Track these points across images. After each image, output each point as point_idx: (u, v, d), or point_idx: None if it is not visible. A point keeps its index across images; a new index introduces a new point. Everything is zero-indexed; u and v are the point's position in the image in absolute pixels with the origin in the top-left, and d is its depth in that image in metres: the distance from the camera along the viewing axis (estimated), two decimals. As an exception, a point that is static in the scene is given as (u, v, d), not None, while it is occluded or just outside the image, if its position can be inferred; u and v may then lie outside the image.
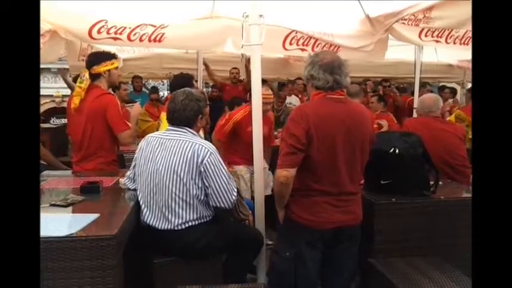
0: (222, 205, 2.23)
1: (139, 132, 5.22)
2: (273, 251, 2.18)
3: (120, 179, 2.61)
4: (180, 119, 2.25)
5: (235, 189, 2.28)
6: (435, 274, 2.17)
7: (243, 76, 6.42)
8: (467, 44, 3.86)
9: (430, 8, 3.43)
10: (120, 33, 3.35)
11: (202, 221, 2.20)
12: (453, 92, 6.96)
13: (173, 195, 2.15)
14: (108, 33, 3.32)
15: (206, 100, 2.36)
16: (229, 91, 6.34)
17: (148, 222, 2.22)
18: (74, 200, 2.21)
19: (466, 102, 6.39)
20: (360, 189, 2.19)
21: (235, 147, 3.72)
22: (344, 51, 3.80)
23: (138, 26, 3.37)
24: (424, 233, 2.43)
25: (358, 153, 2.02)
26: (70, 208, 2.12)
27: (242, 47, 2.67)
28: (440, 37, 3.83)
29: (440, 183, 2.58)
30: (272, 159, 3.73)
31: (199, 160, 2.13)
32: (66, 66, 5.63)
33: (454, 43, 3.91)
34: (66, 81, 5.18)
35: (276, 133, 4.32)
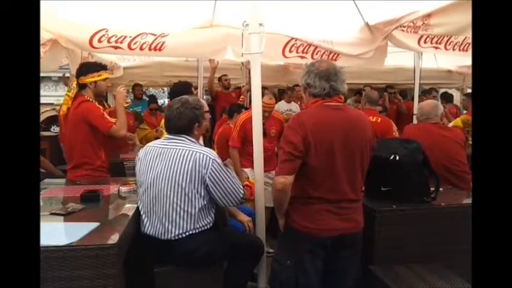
0: (231, 204, 2.29)
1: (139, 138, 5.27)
2: (274, 260, 2.17)
3: (121, 187, 2.62)
4: (176, 127, 2.25)
5: (240, 184, 2.29)
6: (437, 281, 2.15)
7: (243, 83, 6.43)
8: (467, 51, 3.87)
9: (428, 15, 3.44)
10: (121, 42, 3.37)
11: (202, 229, 2.19)
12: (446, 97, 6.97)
13: (174, 205, 2.14)
14: (108, 42, 3.35)
15: (203, 108, 2.34)
16: (223, 98, 6.35)
17: (148, 232, 2.21)
18: (74, 208, 2.21)
19: (464, 107, 6.41)
20: (362, 196, 2.19)
21: (244, 149, 3.77)
22: (344, 58, 3.82)
23: (138, 35, 3.39)
24: (425, 239, 2.42)
25: (358, 160, 2.02)
26: (70, 217, 2.11)
27: (242, 55, 2.69)
28: (440, 44, 3.85)
29: (441, 189, 2.58)
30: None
31: (204, 170, 2.12)
32: (67, 75, 5.66)
33: (453, 49, 3.92)
34: None
35: None
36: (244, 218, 2.67)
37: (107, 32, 3.32)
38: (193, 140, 2.26)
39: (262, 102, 3.56)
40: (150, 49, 3.45)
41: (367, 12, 3.70)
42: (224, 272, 2.36)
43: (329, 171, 1.96)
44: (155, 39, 3.42)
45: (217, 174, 2.15)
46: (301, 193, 1.99)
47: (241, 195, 2.27)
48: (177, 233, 2.15)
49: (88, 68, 3.13)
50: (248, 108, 4.56)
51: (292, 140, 1.92)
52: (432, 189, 2.51)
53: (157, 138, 3.25)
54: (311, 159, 1.93)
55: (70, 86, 3.13)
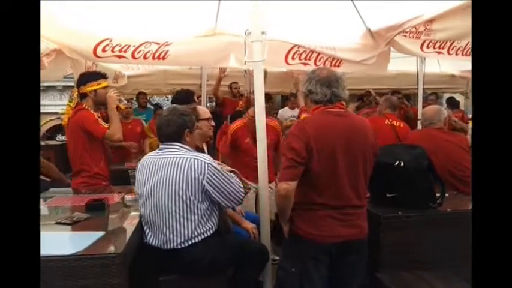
0: (234, 203, 2.29)
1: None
2: (279, 267, 2.17)
3: (126, 196, 2.62)
4: (165, 134, 2.26)
5: (240, 183, 2.28)
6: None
7: (247, 91, 6.45)
8: (470, 55, 3.87)
9: (431, 21, 3.44)
10: (125, 51, 3.39)
11: (205, 236, 2.18)
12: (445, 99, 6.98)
13: (173, 213, 2.13)
14: (112, 51, 3.37)
15: (192, 114, 2.34)
16: (231, 105, 6.36)
17: (151, 242, 2.21)
18: (80, 217, 2.21)
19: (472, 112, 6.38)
20: (366, 202, 2.19)
21: (238, 161, 3.74)
22: (346, 64, 3.83)
23: (142, 44, 3.41)
24: (432, 246, 2.40)
25: (361, 166, 2.02)
26: (75, 226, 2.12)
27: (245, 63, 2.70)
28: (442, 48, 3.84)
29: (447, 195, 2.56)
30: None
31: (201, 176, 2.11)
32: (72, 84, 5.70)
33: (456, 54, 3.92)
34: None
35: None
36: (248, 225, 2.67)
37: (110, 41, 3.35)
38: (186, 147, 2.25)
39: (249, 115, 3.58)
40: (153, 58, 3.47)
41: (368, 19, 3.72)
42: (229, 279, 2.35)
43: (332, 177, 1.96)
44: (159, 48, 3.44)
45: (214, 177, 2.14)
46: (305, 199, 1.99)
47: (242, 193, 2.26)
48: (179, 241, 2.15)
49: (87, 77, 3.19)
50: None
51: (294, 146, 1.93)
52: (438, 194, 2.50)
53: None
54: (314, 165, 1.93)
55: (71, 96, 3.18)
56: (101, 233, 1.96)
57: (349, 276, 2.09)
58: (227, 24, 3.68)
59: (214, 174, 2.14)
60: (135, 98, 6.84)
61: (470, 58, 3.81)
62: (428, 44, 3.72)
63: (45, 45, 3.21)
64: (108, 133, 3.03)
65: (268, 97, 5.13)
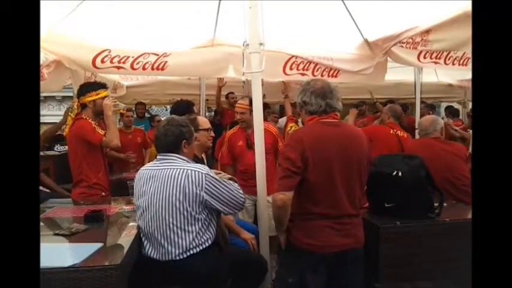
0: (236, 210, 2.31)
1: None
2: (276, 277, 2.16)
3: (124, 207, 2.62)
4: (162, 144, 2.26)
5: (239, 189, 2.27)
6: (443, 298, 2.13)
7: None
8: (466, 65, 3.90)
9: (427, 31, 3.49)
10: (124, 62, 3.42)
11: (203, 247, 2.17)
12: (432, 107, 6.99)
13: (171, 225, 2.13)
14: (111, 62, 3.40)
15: (190, 126, 2.34)
16: (229, 115, 6.38)
17: (149, 254, 2.20)
18: (78, 229, 2.21)
19: (468, 122, 6.41)
20: (363, 212, 2.19)
21: (237, 172, 3.73)
22: (344, 74, 3.86)
23: (141, 55, 3.44)
24: (431, 256, 2.39)
25: (356, 175, 2.04)
26: (74, 237, 2.11)
27: (243, 74, 2.72)
28: (439, 59, 3.88)
29: (445, 204, 2.56)
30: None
31: (199, 187, 2.11)
32: (71, 94, 5.72)
33: (453, 64, 3.95)
34: None
35: None
36: (247, 236, 2.66)
37: (109, 52, 3.38)
38: (183, 158, 2.25)
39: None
40: (152, 69, 3.50)
41: (365, 29, 3.76)
42: (228, 291, 2.34)
43: (328, 186, 1.97)
44: (157, 59, 3.47)
45: (213, 187, 2.14)
46: (301, 209, 2.00)
47: (242, 199, 2.26)
48: (177, 253, 2.14)
49: (87, 88, 3.20)
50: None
51: (289, 156, 1.94)
52: (436, 204, 2.50)
53: None
54: (310, 175, 1.94)
55: (72, 107, 3.21)
56: (99, 245, 1.96)
57: (346, 286, 2.08)
58: (225, 35, 3.72)
59: (212, 184, 2.14)
60: (133, 108, 6.85)
61: (466, 68, 3.87)
62: (425, 54, 3.76)
63: (44, 56, 3.23)
64: (104, 140, 3.04)
65: (265, 106, 5.15)
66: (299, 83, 5.77)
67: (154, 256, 2.18)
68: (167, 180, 2.14)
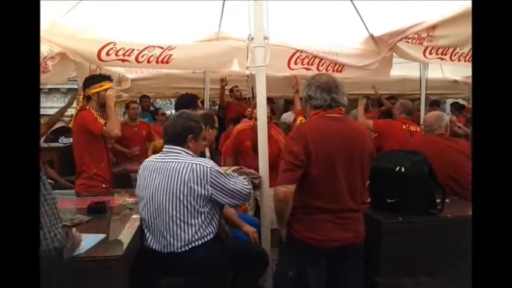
0: (242, 202, 2.32)
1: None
2: (277, 271, 2.17)
3: (128, 199, 2.64)
4: (169, 136, 2.27)
5: (244, 181, 2.28)
6: (444, 294, 2.14)
7: (249, 95, 6.46)
8: (472, 61, 3.87)
9: (433, 27, 3.46)
10: (128, 55, 3.43)
11: (205, 240, 2.18)
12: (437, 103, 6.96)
13: (174, 218, 2.14)
14: (116, 55, 3.40)
15: (200, 121, 2.35)
16: (235, 109, 6.37)
17: (151, 246, 2.21)
18: (81, 220, 2.23)
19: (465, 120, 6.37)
20: (365, 207, 2.19)
21: (235, 163, 3.74)
22: (349, 69, 3.85)
23: (145, 48, 3.44)
24: (432, 252, 2.40)
25: (358, 170, 2.04)
26: (77, 228, 2.13)
27: (248, 68, 2.72)
28: (445, 55, 3.86)
29: (447, 201, 2.56)
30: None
31: (204, 181, 2.12)
32: (75, 87, 5.74)
33: (459, 60, 3.93)
34: None
35: None
36: (249, 229, 2.67)
37: (114, 45, 3.38)
38: (189, 152, 2.24)
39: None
40: (157, 62, 3.50)
41: (371, 24, 3.73)
42: (229, 284, 2.35)
43: (330, 181, 1.97)
44: (162, 52, 3.47)
45: (218, 181, 2.15)
46: (303, 203, 2.00)
47: (248, 190, 2.27)
48: (179, 245, 2.15)
49: (91, 80, 3.23)
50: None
51: (293, 149, 1.95)
52: (438, 200, 2.50)
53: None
54: (312, 169, 1.94)
55: (78, 99, 3.24)
56: (101, 236, 1.98)
57: (346, 280, 2.09)
58: (230, 29, 3.71)
59: (217, 178, 2.15)
60: (138, 101, 6.86)
61: (472, 64, 3.82)
62: (431, 50, 3.74)
63: (49, 48, 3.25)
64: (105, 129, 3.06)
65: (270, 101, 5.14)
66: (304, 77, 5.78)
67: (156, 248, 2.19)
68: (172, 173, 2.15)
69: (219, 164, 2.55)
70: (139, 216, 2.34)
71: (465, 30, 3.26)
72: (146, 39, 3.53)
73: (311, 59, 3.78)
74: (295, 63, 3.76)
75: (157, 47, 3.47)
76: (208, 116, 2.90)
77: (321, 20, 3.67)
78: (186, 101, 3.45)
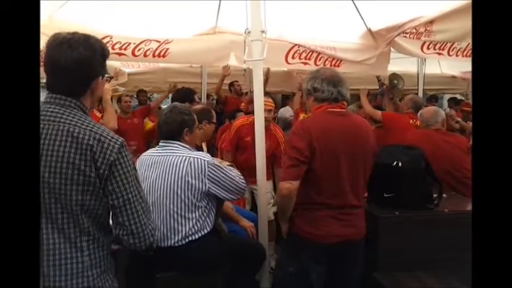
0: (238, 196, 2.31)
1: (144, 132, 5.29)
2: (277, 266, 2.17)
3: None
4: (164, 132, 2.26)
5: (240, 175, 2.28)
6: (440, 288, 2.15)
7: (247, 89, 6.44)
8: (470, 56, 3.87)
9: (431, 22, 3.45)
10: (125, 49, 3.40)
11: (202, 233, 2.18)
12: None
13: (171, 212, 2.14)
14: (113, 48, 3.37)
15: (192, 114, 2.34)
16: (234, 103, 6.35)
17: None
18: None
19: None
20: (363, 202, 2.19)
21: (236, 160, 3.73)
22: (346, 64, 3.84)
23: (142, 42, 3.42)
24: (429, 246, 2.40)
25: (361, 166, 2.03)
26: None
27: (245, 62, 2.71)
28: (443, 50, 3.86)
29: (444, 196, 2.57)
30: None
31: (201, 174, 2.12)
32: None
33: (457, 55, 3.94)
34: None
35: None
36: (246, 223, 2.67)
37: (111, 38, 3.36)
38: (185, 145, 2.25)
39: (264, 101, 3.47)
40: (154, 56, 3.48)
41: (369, 19, 3.72)
42: (225, 278, 2.35)
43: (333, 176, 1.97)
44: (159, 46, 3.45)
45: (215, 174, 2.15)
46: (305, 199, 2.00)
47: (243, 185, 2.27)
48: (176, 239, 2.15)
49: None
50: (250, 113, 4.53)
51: (297, 145, 1.93)
52: (435, 195, 2.50)
53: None
54: (316, 165, 1.94)
55: None
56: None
57: (346, 276, 2.09)
58: (228, 22, 3.69)
59: (215, 171, 2.15)
60: (135, 96, 6.84)
61: (470, 59, 3.83)
62: (429, 45, 3.74)
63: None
64: (101, 122, 3.04)
65: (268, 96, 5.11)
66: (302, 72, 5.77)
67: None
68: (169, 167, 2.14)
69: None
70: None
71: (463, 25, 3.26)
72: (143, 33, 3.51)
73: (309, 53, 3.76)
74: (293, 58, 3.74)
75: (154, 40, 3.45)
76: (205, 111, 2.89)
77: (319, 14, 3.65)
78: (182, 95, 3.44)
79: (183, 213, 2.13)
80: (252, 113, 3.70)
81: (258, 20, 2.49)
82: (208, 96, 6.52)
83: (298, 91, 5.03)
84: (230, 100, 6.50)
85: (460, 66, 6.35)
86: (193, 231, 2.15)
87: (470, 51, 3.85)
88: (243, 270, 2.38)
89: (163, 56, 3.48)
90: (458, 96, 7.88)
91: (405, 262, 2.37)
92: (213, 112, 2.97)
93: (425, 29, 3.51)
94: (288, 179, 1.93)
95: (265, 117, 3.40)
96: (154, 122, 5.61)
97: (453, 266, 2.34)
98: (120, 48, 3.40)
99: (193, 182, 2.11)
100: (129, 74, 6.11)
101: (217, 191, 2.16)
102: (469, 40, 3.58)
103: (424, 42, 3.67)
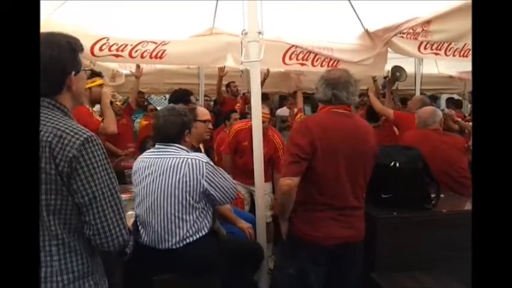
0: (229, 201, 2.32)
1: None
2: (276, 268, 2.17)
3: (122, 195, 2.61)
4: (164, 135, 2.25)
5: (232, 181, 2.31)
6: (438, 289, 2.15)
7: (244, 90, 6.44)
8: (467, 56, 3.88)
9: (428, 22, 3.46)
10: (122, 50, 3.39)
11: (200, 235, 2.18)
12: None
13: (169, 214, 2.13)
14: (109, 50, 3.37)
15: (189, 115, 2.34)
16: (231, 104, 6.34)
17: (145, 242, 2.21)
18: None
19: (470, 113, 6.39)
20: (364, 203, 2.19)
21: (235, 162, 3.73)
22: (343, 65, 3.82)
23: (139, 43, 3.40)
24: (427, 246, 2.41)
25: (361, 167, 2.03)
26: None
27: (242, 63, 2.70)
28: (440, 50, 3.85)
29: (442, 196, 2.57)
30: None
31: (200, 175, 2.12)
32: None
33: (454, 55, 3.93)
34: None
35: None
36: (244, 224, 2.67)
37: (108, 40, 3.34)
38: (183, 147, 2.25)
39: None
40: (151, 57, 3.46)
41: (366, 19, 3.72)
42: (223, 279, 2.34)
43: (334, 176, 1.97)
44: (156, 47, 3.44)
45: (212, 175, 2.16)
46: (306, 199, 1.99)
47: (235, 190, 2.30)
48: (174, 241, 2.14)
49: None
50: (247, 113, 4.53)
51: (298, 142, 1.93)
52: (433, 195, 2.51)
53: None
54: (317, 164, 1.93)
55: None
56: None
57: (345, 277, 2.09)
58: (224, 23, 3.68)
59: (212, 173, 2.15)
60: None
61: (467, 59, 3.85)
62: (426, 45, 3.73)
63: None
64: (102, 126, 3.05)
65: (264, 97, 5.10)
66: (299, 73, 5.77)
67: (151, 244, 2.18)
68: (168, 169, 2.14)
69: (212, 161, 2.54)
70: (133, 212, 2.33)
71: (460, 25, 3.26)
72: (140, 34, 3.50)
73: (306, 54, 3.75)
74: (290, 59, 3.73)
75: (151, 42, 3.43)
76: (191, 110, 2.84)
77: (316, 15, 3.65)
78: (179, 96, 3.43)
79: (180, 215, 2.13)
80: (247, 113, 3.71)
81: (254, 21, 2.49)
82: (206, 97, 6.52)
83: (299, 90, 5.02)
84: (227, 101, 6.49)
85: (457, 66, 6.35)
86: (190, 233, 2.15)
87: (467, 51, 3.85)
88: (241, 271, 2.38)
89: (160, 57, 3.47)
90: (456, 96, 7.89)
91: (403, 262, 2.38)
92: (198, 111, 2.91)
93: (422, 29, 3.51)
94: (289, 175, 1.92)
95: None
96: (148, 121, 5.61)
97: (451, 266, 2.34)
98: (117, 50, 3.38)
99: (191, 182, 2.11)
100: (126, 76, 6.09)
101: (212, 192, 2.17)
102: (466, 40, 3.59)
103: (421, 43, 3.67)
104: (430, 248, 2.40)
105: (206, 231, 2.21)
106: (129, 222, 2.21)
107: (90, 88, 3.13)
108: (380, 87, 5.31)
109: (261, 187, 2.63)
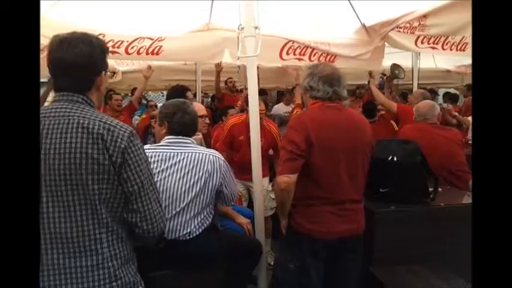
0: (232, 201, 2.36)
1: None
2: (276, 263, 2.16)
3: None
4: (178, 129, 2.21)
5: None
6: (437, 281, 2.15)
7: (242, 86, 6.42)
8: (464, 50, 3.87)
9: (424, 16, 3.45)
10: (118, 47, 3.37)
11: (199, 231, 2.17)
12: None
13: (186, 208, 2.14)
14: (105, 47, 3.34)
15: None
16: (229, 100, 6.33)
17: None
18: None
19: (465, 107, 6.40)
20: (363, 197, 2.19)
21: (231, 158, 3.71)
22: (341, 60, 3.82)
23: (135, 40, 3.39)
24: (425, 240, 2.42)
25: (359, 160, 2.03)
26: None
27: (238, 58, 2.69)
28: (437, 44, 3.85)
29: (440, 190, 2.58)
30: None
31: (219, 172, 2.16)
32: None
33: (451, 49, 3.92)
34: None
35: None
36: (243, 220, 2.66)
37: (103, 37, 3.30)
38: (193, 141, 2.28)
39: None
40: (147, 53, 3.45)
41: (363, 14, 3.72)
42: (223, 274, 2.34)
43: (332, 171, 1.96)
44: (152, 44, 3.42)
45: (227, 175, 2.22)
46: (304, 194, 1.99)
47: (236, 193, 2.36)
48: (182, 233, 2.14)
49: None
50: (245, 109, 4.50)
51: (294, 139, 1.93)
52: (431, 189, 2.51)
53: None
54: (314, 159, 1.93)
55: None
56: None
57: (345, 271, 2.09)
58: (221, 19, 3.66)
59: (227, 172, 2.22)
60: (130, 94, 6.80)
61: (464, 53, 3.84)
62: (423, 39, 3.73)
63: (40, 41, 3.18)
64: None
65: (262, 92, 5.09)
66: (296, 68, 5.76)
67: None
68: (191, 163, 2.14)
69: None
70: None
71: (457, 19, 3.26)
72: (136, 30, 3.48)
73: (303, 49, 3.74)
74: (287, 54, 3.72)
75: (147, 38, 3.42)
76: None
77: (313, 9, 3.64)
78: (177, 93, 3.40)
79: (196, 210, 2.14)
80: (246, 110, 3.68)
81: (251, 16, 2.47)
82: (204, 94, 6.51)
83: (297, 85, 5.00)
84: (226, 97, 6.48)
85: (454, 60, 6.37)
86: (197, 227, 2.16)
87: (464, 45, 3.84)
88: (240, 266, 2.37)
89: (157, 53, 3.45)
90: (452, 91, 7.91)
91: (401, 256, 2.38)
92: (195, 106, 2.88)
93: (419, 24, 3.51)
94: (286, 173, 1.92)
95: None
96: (147, 117, 5.59)
97: (449, 259, 2.35)
98: (113, 46, 3.36)
99: (212, 179, 2.15)
100: (123, 73, 6.08)
101: (224, 190, 2.22)
102: (463, 34, 3.59)
103: (418, 37, 3.67)
104: (428, 241, 2.41)
105: (205, 227, 2.21)
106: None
107: None
108: (377, 86, 5.30)
109: (259, 182, 2.63)
